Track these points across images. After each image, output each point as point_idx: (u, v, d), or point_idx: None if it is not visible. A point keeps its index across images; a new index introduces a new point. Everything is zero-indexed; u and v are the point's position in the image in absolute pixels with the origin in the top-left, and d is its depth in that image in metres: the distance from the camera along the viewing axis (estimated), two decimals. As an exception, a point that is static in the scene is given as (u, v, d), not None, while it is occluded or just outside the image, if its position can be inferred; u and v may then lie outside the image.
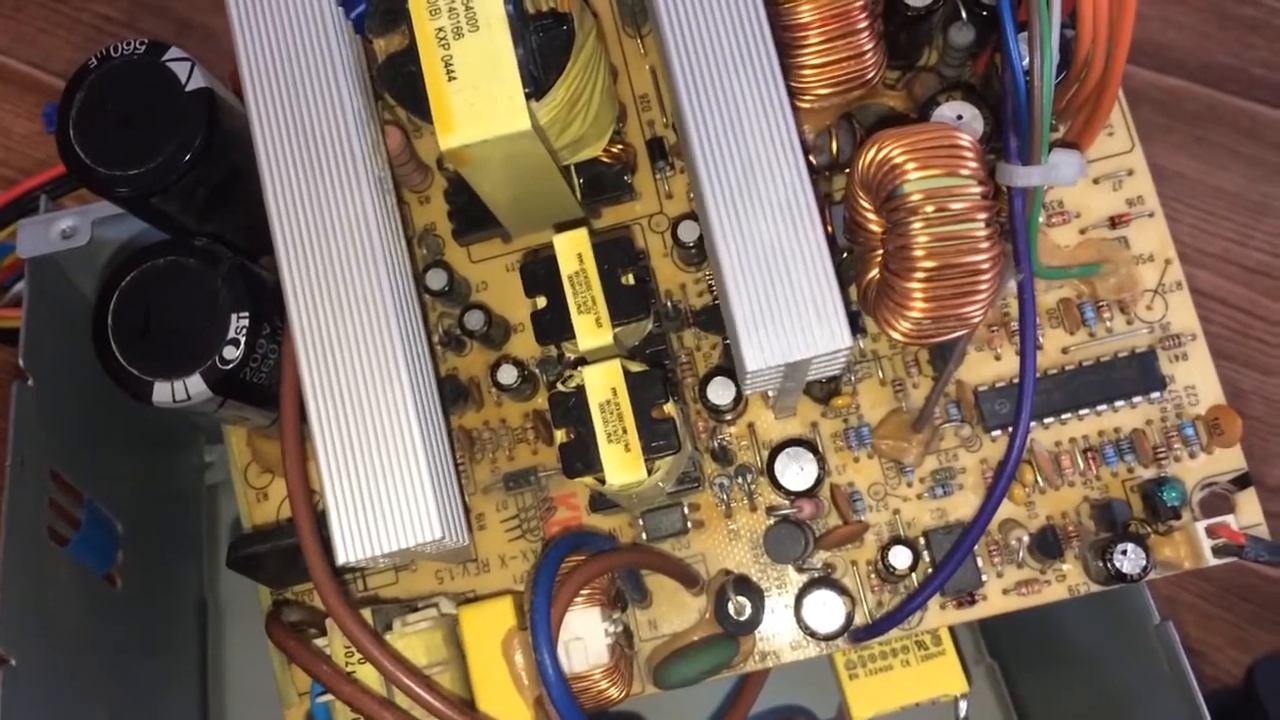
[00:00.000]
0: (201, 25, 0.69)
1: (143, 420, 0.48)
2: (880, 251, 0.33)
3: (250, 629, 0.52)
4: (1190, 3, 0.63)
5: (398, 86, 0.34)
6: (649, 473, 0.33)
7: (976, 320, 0.32)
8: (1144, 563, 0.35)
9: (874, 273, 0.33)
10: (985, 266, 0.31)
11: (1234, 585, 0.54)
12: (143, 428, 0.49)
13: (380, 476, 0.30)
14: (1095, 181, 0.39)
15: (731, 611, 0.34)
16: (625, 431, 0.33)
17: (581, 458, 0.33)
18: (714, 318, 0.39)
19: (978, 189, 0.31)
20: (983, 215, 0.31)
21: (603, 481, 0.33)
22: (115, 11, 0.69)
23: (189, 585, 0.52)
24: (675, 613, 0.38)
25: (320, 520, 0.33)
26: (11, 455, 0.39)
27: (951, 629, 0.41)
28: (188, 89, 0.34)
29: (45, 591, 0.39)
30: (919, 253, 0.31)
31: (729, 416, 0.38)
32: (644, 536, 0.38)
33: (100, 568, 0.44)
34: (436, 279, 0.38)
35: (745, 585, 0.35)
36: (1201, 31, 0.63)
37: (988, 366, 0.38)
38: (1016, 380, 0.37)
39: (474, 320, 0.38)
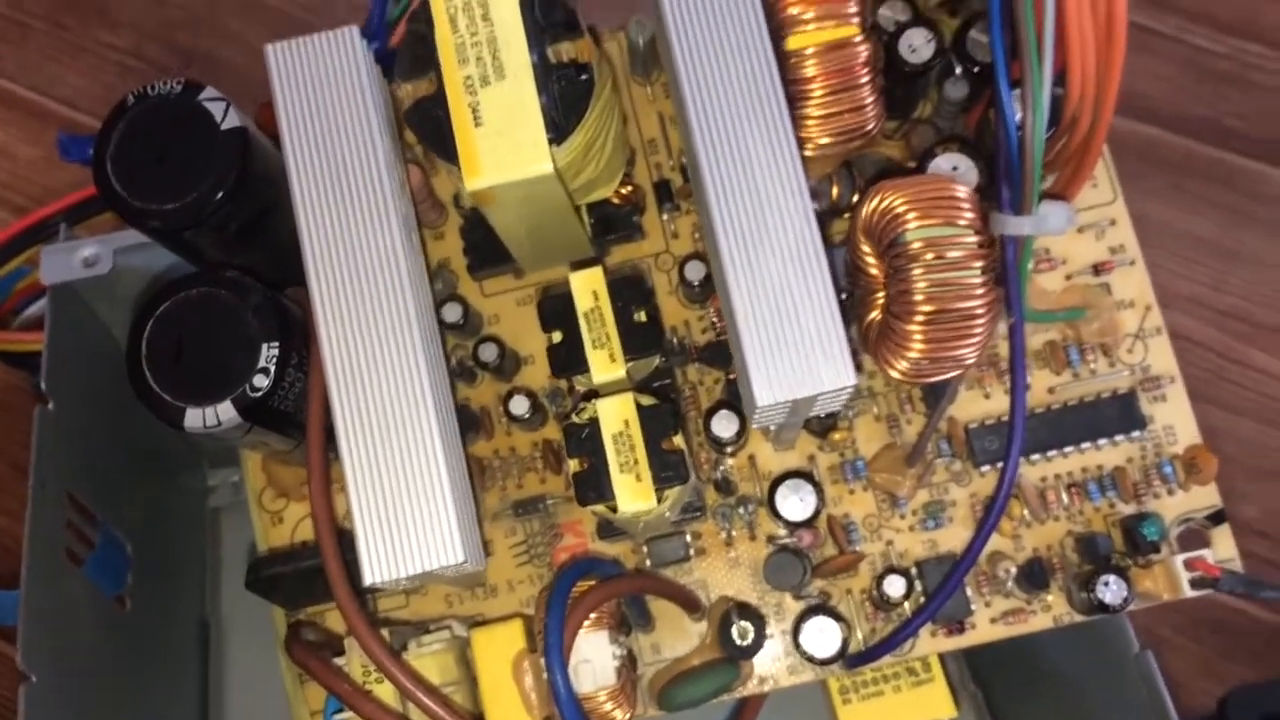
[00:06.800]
0: (206, 55, 0.70)
1: (149, 445, 0.49)
2: (880, 294, 0.35)
3: (249, 650, 0.53)
4: (1167, 55, 0.66)
5: (425, 129, 0.35)
6: (659, 501, 0.34)
7: (971, 361, 0.33)
8: (1125, 594, 0.36)
9: (874, 314, 0.35)
10: (980, 311, 0.33)
11: (1206, 619, 0.56)
12: (149, 453, 0.50)
13: (406, 501, 0.32)
14: (1080, 230, 0.41)
15: (735, 636, 0.36)
16: (637, 462, 0.34)
17: (594, 487, 0.34)
18: (717, 353, 0.40)
19: (974, 238, 0.33)
20: (978, 263, 0.32)
21: (614, 510, 0.34)
22: (120, 40, 0.70)
23: (191, 607, 0.53)
24: (676, 638, 0.39)
25: (341, 542, 0.34)
26: (33, 476, 0.40)
27: (940, 656, 0.42)
28: (223, 127, 0.36)
29: (63, 611, 0.40)
30: (919, 297, 0.32)
31: (730, 449, 0.40)
32: (648, 563, 0.39)
33: (111, 589, 0.44)
34: (452, 312, 0.39)
35: (748, 611, 0.37)
36: (1178, 84, 0.66)
37: (978, 405, 0.40)
38: (1006, 418, 0.39)
39: (488, 352, 0.39)
